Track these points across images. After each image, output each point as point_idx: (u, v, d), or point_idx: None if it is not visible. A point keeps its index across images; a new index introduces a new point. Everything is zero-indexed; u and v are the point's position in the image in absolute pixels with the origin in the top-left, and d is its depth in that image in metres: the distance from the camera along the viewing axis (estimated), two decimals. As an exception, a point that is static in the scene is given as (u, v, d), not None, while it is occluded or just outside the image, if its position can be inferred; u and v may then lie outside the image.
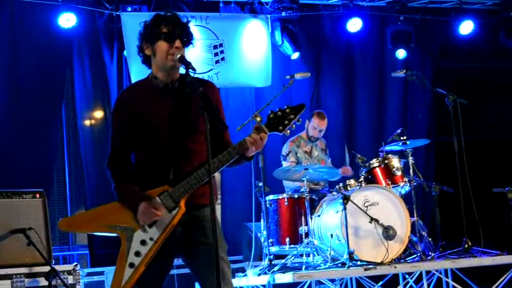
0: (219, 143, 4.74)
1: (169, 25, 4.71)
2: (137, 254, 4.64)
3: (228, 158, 4.66)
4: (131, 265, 4.64)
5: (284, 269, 7.87)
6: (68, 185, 10.55)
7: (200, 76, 4.76)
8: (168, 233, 4.64)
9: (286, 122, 4.74)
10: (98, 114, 10.68)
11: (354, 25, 11.68)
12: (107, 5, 10.48)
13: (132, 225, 4.68)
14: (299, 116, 4.78)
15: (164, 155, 4.70)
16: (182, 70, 4.70)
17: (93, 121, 10.67)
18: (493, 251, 8.38)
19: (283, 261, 8.23)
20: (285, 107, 4.77)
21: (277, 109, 4.75)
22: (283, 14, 11.36)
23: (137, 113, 4.76)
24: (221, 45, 10.90)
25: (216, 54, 10.87)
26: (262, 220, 8.53)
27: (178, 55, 4.65)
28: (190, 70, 4.58)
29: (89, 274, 8.54)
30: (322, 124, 9.66)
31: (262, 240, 8.55)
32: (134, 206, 4.65)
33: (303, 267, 7.95)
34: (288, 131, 4.78)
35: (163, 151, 4.71)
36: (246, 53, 11.11)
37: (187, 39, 4.77)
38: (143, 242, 4.65)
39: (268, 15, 11.36)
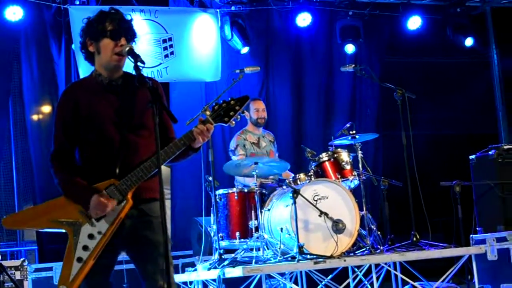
0: (164, 137, 4.71)
1: (113, 22, 4.70)
2: (85, 248, 4.62)
3: (174, 150, 4.68)
4: (79, 259, 4.61)
5: (234, 263, 7.85)
6: (16, 180, 10.41)
7: (149, 70, 4.76)
8: (116, 227, 4.63)
9: (232, 113, 4.80)
10: (46, 108, 10.58)
11: (304, 19, 11.74)
12: (54, -2, 10.38)
13: (79, 220, 4.66)
14: (243, 107, 4.84)
15: (110, 150, 4.69)
16: (129, 66, 4.67)
17: (41, 116, 10.57)
18: (441, 244, 8.45)
19: (233, 255, 8.23)
20: (230, 98, 4.83)
21: (222, 101, 4.81)
22: (233, 8, 11.39)
23: (82, 109, 4.73)
24: (170, 39, 10.86)
25: (165, 48, 10.82)
26: (212, 215, 8.51)
27: (127, 48, 4.63)
28: (139, 63, 4.55)
29: (37, 270, 8.46)
30: (260, 104, 9.70)
31: (212, 234, 8.53)
32: (84, 199, 4.62)
33: (253, 261, 7.95)
34: (234, 122, 4.83)
35: (109, 146, 4.70)
36: (196, 48, 11.09)
37: (132, 36, 4.78)
38: (90, 236, 4.63)
39: (218, 10, 11.37)
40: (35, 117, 10.50)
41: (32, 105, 10.44)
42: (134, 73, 4.58)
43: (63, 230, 4.69)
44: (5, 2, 9.93)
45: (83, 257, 4.61)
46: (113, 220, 4.63)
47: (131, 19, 4.81)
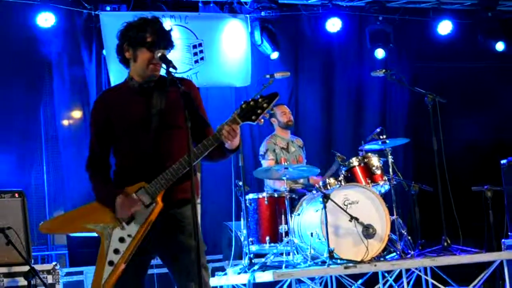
0: (203, 137, 4.69)
1: (154, 33, 4.70)
2: (116, 251, 4.65)
3: (203, 151, 4.63)
4: (111, 263, 4.64)
5: (264, 267, 7.86)
6: (47, 186, 10.46)
7: (179, 75, 4.76)
8: (146, 230, 4.64)
9: (259, 111, 4.65)
10: (77, 114, 10.63)
11: (333, 25, 11.71)
12: (85, 5, 10.44)
13: (111, 224, 4.69)
14: (272, 105, 4.70)
15: (141, 154, 4.71)
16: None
17: (71, 121, 10.62)
18: (472, 249, 8.40)
19: (263, 260, 8.23)
20: (258, 96, 4.70)
21: (250, 99, 4.69)
22: (263, 13, 11.35)
23: (114, 114, 4.77)
24: (200, 44, 10.89)
25: (195, 54, 10.86)
26: (242, 219, 8.52)
27: (159, 54, 4.65)
28: (171, 68, 4.57)
29: (68, 274, 8.51)
30: (285, 107, 9.74)
31: (242, 239, 8.54)
32: (111, 202, 4.65)
33: (283, 265, 7.94)
34: (262, 121, 4.71)
35: (140, 150, 4.72)
36: (226, 53, 11.11)
37: (170, 47, 4.78)
38: (121, 240, 4.66)
39: (248, 15, 11.37)
40: (65, 122, 10.56)
41: (63, 110, 10.50)
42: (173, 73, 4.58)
43: (96, 234, 4.72)
44: (37, 8, 10.00)
45: (114, 260, 4.64)
46: (142, 223, 4.65)
47: (171, 29, 4.81)
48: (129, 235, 4.66)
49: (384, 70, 9.42)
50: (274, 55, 11.43)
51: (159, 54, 4.64)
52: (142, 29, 4.71)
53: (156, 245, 4.76)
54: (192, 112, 4.46)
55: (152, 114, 4.72)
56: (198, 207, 4.70)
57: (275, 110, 9.63)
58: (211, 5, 11.26)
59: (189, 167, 4.50)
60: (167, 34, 4.75)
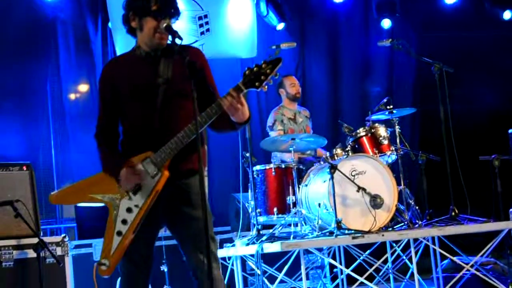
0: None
1: (158, 2, 4.66)
2: (124, 222, 4.66)
3: (206, 119, 4.57)
4: (119, 233, 4.66)
5: (272, 238, 7.87)
6: (55, 159, 10.47)
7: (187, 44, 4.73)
8: (153, 200, 4.65)
9: (263, 77, 4.55)
10: (83, 87, 10.63)
11: (339, -6, 11.69)
12: (91, -24, 10.43)
13: (118, 194, 4.71)
14: (276, 70, 4.58)
15: (147, 123, 4.70)
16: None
17: (78, 95, 10.63)
18: (480, 219, 8.38)
19: (271, 231, 8.24)
20: (261, 62, 4.61)
21: (253, 65, 4.61)
22: (268, -16, 11.33)
23: (120, 82, 4.77)
24: (206, 16, 10.87)
25: (201, 26, 10.84)
26: (249, 191, 8.53)
27: (165, 24, 4.63)
28: (177, 38, 4.55)
29: (76, 247, 8.53)
30: (294, 79, 9.82)
31: (250, 210, 8.55)
32: (116, 173, 4.66)
33: (291, 236, 7.96)
34: (266, 87, 4.60)
35: (146, 119, 4.71)
36: (231, 24, 11.08)
37: (176, 15, 4.76)
38: (129, 210, 4.67)
39: (253, -14, 11.34)
40: (72, 96, 10.57)
41: (70, 84, 10.51)
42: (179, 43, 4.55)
43: (104, 204, 4.73)
44: (41, -18, 10.01)
45: (122, 230, 4.65)
46: (149, 193, 4.65)
47: None
48: (136, 205, 4.67)
49: (390, 40, 9.38)
50: (280, 26, 11.41)
51: (165, 25, 4.62)
52: None
53: (164, 215, 4.78)
54: (198, 81, 4.43)
55: (158, 82, 4.70)
56: (205, 179, 4.69)
57: (284, 81, 9.66)
58: (217, -24, 11.24)
59: (194, 135, 4.48)
60: (172, 2, 4.72)
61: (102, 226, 4.75)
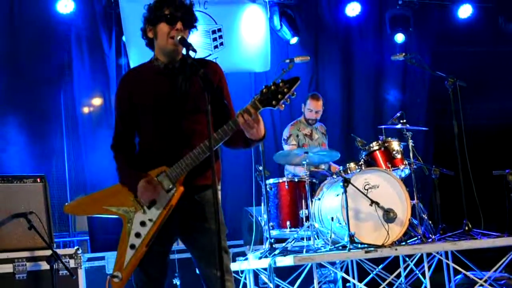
0: (224, 123, 4.63)
1: (171, 7, 4.68)
2: (138, 235, 4.66)
3: (222, 136, 4.57)
4: (132, 246, 4.66)
5: (285, 252, 7.87)
6: (68, 174, 10.50)
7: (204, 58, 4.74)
8: (167, 214, 4.64)
9: (280, 96, 4.51)
10: (97, 101, 10.65)
11: (353, 9, 11.70)
12: (106, -9, 10.48)
13: (133, 207, 4.70)
14: (293, 89, 4.55)
15: (163, 137, 4.70)
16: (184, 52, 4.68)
17: (92, 109, 10.65)
18: (494, 233, 8.37)
19: (283, 244, 8.24)
20: (279, 80, 4.58)
21: (271, 83, 4.57)
22: (282, -1, 11.37)
23: (137, 96, 4.77)
24: (219, 30, 10.89)
25: (214, 39, 10.86)
26: (262, 204, 8.53)
27: (179, 37, 4.63)
28: (191, 51, 4.55)
29: (90, 259, 8.54)
30: (317, 105, 9.65)
31: (263, 224, 8.55)
32: (133, 186, 4.66)
33: (304, 250, 7.95)
34: (283, 106, 4.56)
35: (163, 133, 4.70)
36: (245, 38, 11.10)
37: (189, 22, 4.75)
38: (142, 224, 4.67)
39: (267, 0, 11.34)
40: (85, 109, 10.59)
41: (83, 98, 10.52)
42: (193, 56, 4.54)
43: (118, 216, 4.74)
44: (58, -6, 10.06)
45: (135, 244, 4.65)
46: (163, 208, 4.65)
47: (191, 4, 4.77)
48: (150, 219, 4.66)
49: (404, 54, 9.40)
50: (294, 40, 11.43)
51: (179, 37, 4.62)
52: (160, 6, 4.71)
53: (178, 228, 4.77)
54: (214, 95, 4.43)
55: (175, 96, 4.70)
56: (219, 193, 4.68)
57: (308, 100, 9.62)
58: (230, -10, 11.28)
59: (209, 152, 4.49)
60: (184, 8, 4.72)
61: (115, 239, 4.76)
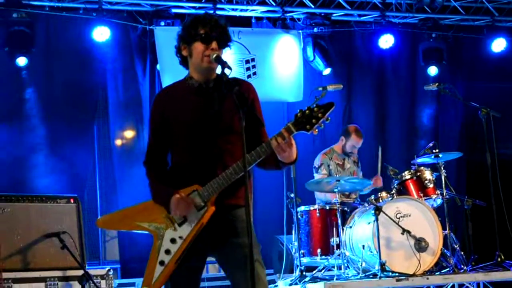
0: (257, 142, 4.66)
1: (206, 26, 4.71)
2: (167, 252, 4.66)
3: (255, 158, 4.58)
4: (162, 263, 4.66)
5: (315, 279, 7.85)
6: (100, 206, 10.53)
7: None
8: (197, 232, 4.64)
9: (314, 121, 4.53)
10: (131, 129, 10.74)
11: (386, 41, 11.70)
12: (140, 20, 10.61)
13: (164, 224, 4.71)
14: (328, 115, 4.56)
15: (196, 155, 4.71)
16: (218, 71, 4.72)
17: (126, 138, 10.74)
18: (526, 265, 8.31)
19: (314, 272, 8.22)
20: (314, 105, 4.59)
21: (306, 108, 4.59)
22: (315, 30, 11.41)
23: (170, 113, 4.79)
24: (253, 59, 10.96)
25: (248, 69, 10.94)
26: (293, 231, 8.53)
27: (214, 55, 4.67)
28: (226, 68, 4.59)
29: (120, 285, 8.56)
30: (360, 142, 9.65)
31: (293, 251, 8.53)
32: (166, 201, 4.67)
33: (334, 278, 7.92)
34: (317, 130, 4.57)
35: (196, 151, 4.71)
36: (278, 68, 11.17)
37: (224, 41, 4.77)
38: (173, 241, 4.67)
39: (300, 31, 11.44)
40: (119, 137, 10.68)
41: (117, 125, 10.64)
42: (228, 73, 4.57)
43: (147, 232, 4.76)
44: (93, 23, 10.20)
45: (165, 260, 4.65)
46: (194, 226, 4.65)
47: (226, 24, 4.81)
48: (180, 237, 4.67)
49: (437, 84, 9.41)
50: (327, 71, 11.47)
51: (214, 56, 4.66)
52: (195, 25, 4.74)
53: (209, 245, 4.76)
54: (247, 114, 4.44)
55: (209, 115, 4.72)
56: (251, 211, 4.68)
57: (351, 135, 9.56)
58: (264, 21, 11.37)
59: (242, 173, 4.50)
60: (219, 27, 4.75)
61: (145, 268, 4.76)
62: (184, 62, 4.89)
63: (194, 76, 4.82)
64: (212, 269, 10.31)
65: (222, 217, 4.71)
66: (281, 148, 4.55)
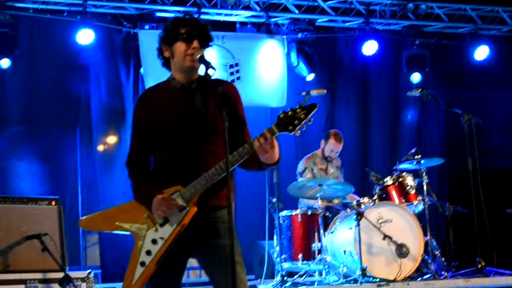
0: (240, 141, 4.66)
1: (187, 26, 4.72)
2: (148, 253, 4.66)
3: (238, 158, 4.58)
4: (142, 263, 4.66)
5: (296, 285, 7.85)
6: (81, 212, 10.48)
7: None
8: (179, 233, 4.63)
9: (296, 122, 4.53)
10: (112, 138, 10.71)
11: (370, 48, 11.71)
12: (125, 23, 10.59)
13: (145, 224, 4.70)
14: (310, 116, 4.56)
15: (179, 156, 4.70)
16: (201, 72, 4.72)
17: (107, 146, 10.71)
18: (507, 271, 8.33)
19: (295, 277, 8.21)
20: (297, 106, 4.60)
21: (289, 109, 4.59)
22: (299, 35, 11.42)
23: (153, 114, 4.78)
24: (236, 64, 10.97)
25: (231, 74, 10.94)
26: (275, 236, 8.52)
27: (198, 55, 4.68)
28: (210, 69, 4.60)
29: (100, 290, 8.54)
30: (339, 146, 9.66)
31: (275, 256, 8.53)
32: (148, 201, 4.67)
33: (316, 283, 7.92)
34: (299, 132, 4.57)
35: (179, 152, 4.71)
36: (262, 73, 11.19)
37: (205, 40, 4.78)
38: (154, 241, 4.66)
39: (284, 36, 11.45)
40: (102, 141, 10.65)
41: (100, 132, 10.62)
42: (212, 73, 4.60)
43: (129, 233, 4.75)
44: (77, 25, 10.16)
45: (146, 261, 4.65)
46: (175, 227, 4.64)
47: (207, 24, 4.82)
48: (161, 238, 4.66)
49: (420, 90, 9.45)
50: (310, 77, 11.49)
51: (198, 56, 4.66)
52: (176, 26, 4.75)
53: (191, 247, 4.75)
54: (230, 114, 4.44)
55: (191, 116, 4.72)
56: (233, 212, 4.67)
57: (330, 138, 9.60)
58: (248, 26, 11.39)
59: (224, 174, 4.50)
60: (200, 27, 4.76)
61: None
62: (166, 63, 4.89)
63: (177, 77, 4.82)
64: (193, 275, 10.28)
65: (204, 218, 4.70)
66: (263, 149, 4.55)
